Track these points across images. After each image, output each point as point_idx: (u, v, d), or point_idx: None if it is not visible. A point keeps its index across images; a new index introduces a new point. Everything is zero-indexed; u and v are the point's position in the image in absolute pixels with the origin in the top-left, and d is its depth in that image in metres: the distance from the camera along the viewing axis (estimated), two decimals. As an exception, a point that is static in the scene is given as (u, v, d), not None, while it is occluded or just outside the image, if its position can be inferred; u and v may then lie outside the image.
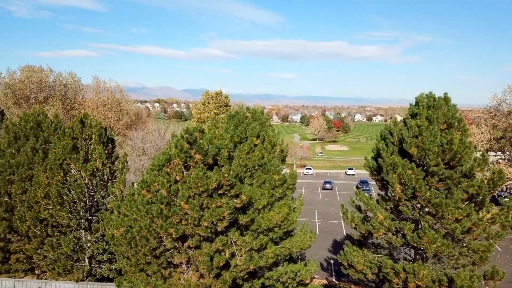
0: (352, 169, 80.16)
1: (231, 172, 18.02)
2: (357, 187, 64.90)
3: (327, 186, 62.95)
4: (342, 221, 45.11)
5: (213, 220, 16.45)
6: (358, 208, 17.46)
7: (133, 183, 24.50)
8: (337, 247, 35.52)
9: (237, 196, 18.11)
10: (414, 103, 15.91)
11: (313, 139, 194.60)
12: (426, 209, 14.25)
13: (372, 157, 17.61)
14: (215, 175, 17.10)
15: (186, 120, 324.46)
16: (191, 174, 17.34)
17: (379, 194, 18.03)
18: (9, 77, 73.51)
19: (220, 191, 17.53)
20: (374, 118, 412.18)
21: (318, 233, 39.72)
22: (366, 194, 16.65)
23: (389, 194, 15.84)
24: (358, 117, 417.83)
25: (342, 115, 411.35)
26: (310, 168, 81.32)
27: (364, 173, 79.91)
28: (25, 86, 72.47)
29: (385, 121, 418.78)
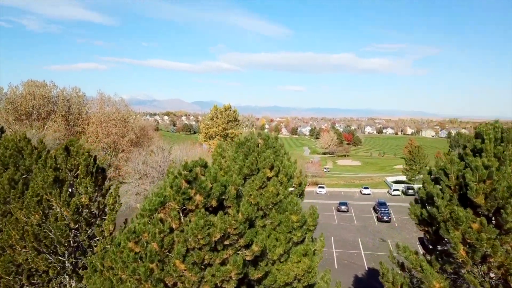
0: (367, 188, 76.19)
1: (240, 216, 14.62)
2: (374, 210, 60.98)
3: (343, 208, 59.12)
4: (362, 251, 41.53)
5: (217, 282, 12.93)
6: (401, 266, 13.85)
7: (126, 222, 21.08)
8: (359, 284, 31.65)
9: (247, 246, 14.64)
10: (474, 134, 12.52)
11: (324, 153, 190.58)
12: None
13: (416, 200, 14.04)
14: (219, 222, 13.62)
15: (194, 133, 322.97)
16: (189, 220, 13.93)
17: (424, 242, 14.41)
18: (11, 92, 71.58)
19: (226, 242, 14.09)
20: (384, 130, 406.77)
21: (336, 267, 35.93)
22: (411, 249, 13.04)
23: (446, 251, 12.29)
24: (368, 129, 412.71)
25: (352, 127, 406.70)
26: (323, 187, 77.54)
27: (381, 192, 75.83)
28: (27, 101, 70.32)
29: (396, 133, 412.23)
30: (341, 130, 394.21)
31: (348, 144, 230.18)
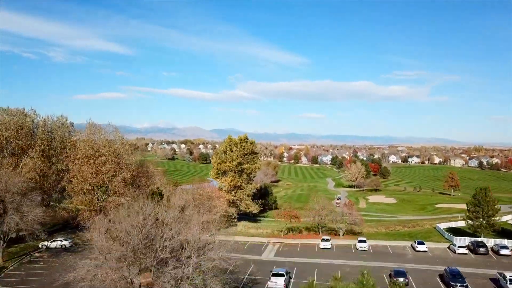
0: (423, 243, 58.16)
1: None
2: (444, 282, 43.50)
3: (401, 280, 41.68)
4: None
5: None
6: None
7: None
8: None
9: None
10: None
11: (350, 186, 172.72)
12: None
13: None
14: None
15: (210, 162, 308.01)
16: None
17: None
18: (-22, 122, 58.07)
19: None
20: (409, 159, 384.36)
21: None
22: None
23: None
24: (392, 158, 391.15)
25: (375, 156, 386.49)
26: (364, 241, 59.73)
27: (439, 249, 58.04)
28: (-3, 133, 56.73)
29: (422, 162, 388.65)
30: (364, 158, 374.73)
31: (375, 175, 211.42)
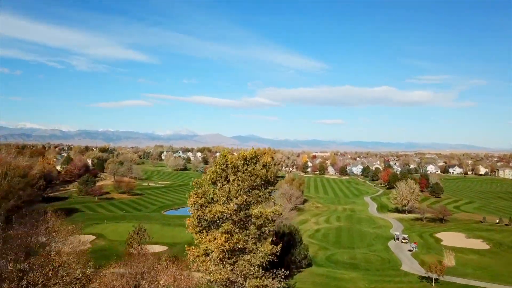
0: None
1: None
2: None
3: None
4: None
5: None
6: None
7: None
8: None
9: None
10: None
11: (398, 210, 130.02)
12: None
13: None
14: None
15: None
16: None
17: None
18: None
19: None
20: (450, 170, 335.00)
21: None
22: None
23: None
24: (430, 168, 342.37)
25: (411, 166, 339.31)
26: None
27: None
28: None
29: (465, 173, 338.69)
30: (399, 169, 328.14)
31: (422, 191, 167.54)
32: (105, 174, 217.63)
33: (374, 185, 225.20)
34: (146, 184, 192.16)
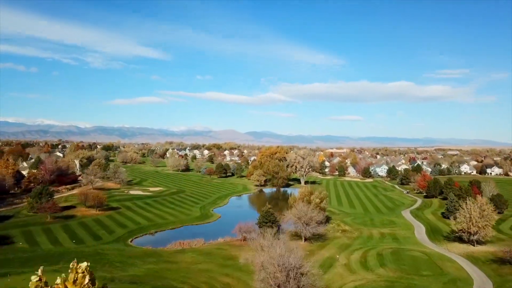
0: None
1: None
2: None
3: None
4: None
5: None
6: None
7: None
8: None
9: None
10: None
11: (459, 238, 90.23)
12: None
13: None
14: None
15: (232, 175, 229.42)
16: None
17: None
18: None
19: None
20: (488, 170, 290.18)
21: None
22: None
23: None
24: (464, 168, 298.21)
25: (442, 166, 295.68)
26: None
27: None
28: None
29: (506, 174, 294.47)
30: (429, 169, 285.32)
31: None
32: (93, 178, 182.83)
33: (407, 192, 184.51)
34: (125, 193, 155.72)
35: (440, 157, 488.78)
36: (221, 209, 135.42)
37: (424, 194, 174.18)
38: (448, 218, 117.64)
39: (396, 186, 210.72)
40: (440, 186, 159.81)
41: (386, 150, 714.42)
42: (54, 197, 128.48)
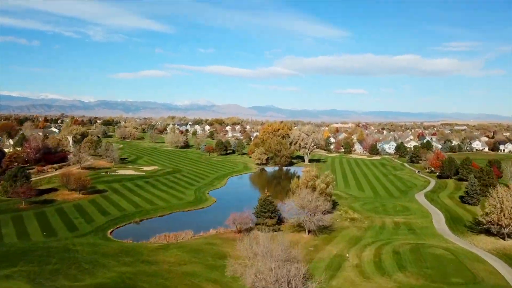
0: None
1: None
2: None
3: None
4: None
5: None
6: None
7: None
8: None
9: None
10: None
11: (486, 230, 78.02)
12: None
13: None
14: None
15: (233, 152, 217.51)
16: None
17: None
18: None
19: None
20: (501, 147, 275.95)
21: None
22: None
23: None
24: (476, 145, 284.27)
25: (453, 142, 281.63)
26: None
27: None
28: None
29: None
30: (439, 146, 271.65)
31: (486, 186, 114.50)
32: (84, 156, 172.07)
33: (418, 171, 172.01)
34: (114, 173, 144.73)
35: (447, 132, 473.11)
36: (218, 191, 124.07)
37: (438, 174, 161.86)
38: (469, 203, 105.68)
39: (406, 165, 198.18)
40: (456, 165, 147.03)
41: (392, 125, 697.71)
42: (34, 178, 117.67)
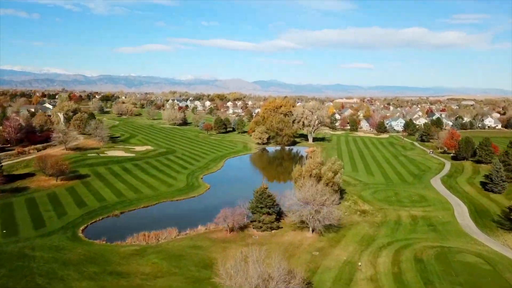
0: None
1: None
2: None
3: None
4: None
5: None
6: None
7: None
8: None
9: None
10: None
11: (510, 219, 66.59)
12: None
13: None
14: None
15: (233, 130, 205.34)
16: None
17: None
18: None
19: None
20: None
21: None
22: None
23: None
24: (488, 121, 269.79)
25: (465, 119, 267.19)
26: None
27: None
28: None
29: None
30: (450, 123, 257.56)
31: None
32: (71, 135, 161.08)
33: (430, 151, 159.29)
34: (101, 155, 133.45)
35: (455, 107, 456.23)
36: (213, 176, 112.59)
37: (452, 154, 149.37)
38: (493, 191, 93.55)
39: (416, 144, 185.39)
40: (473, 146, 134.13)
41: (397, 100, 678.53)
42: (9, 162, 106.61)
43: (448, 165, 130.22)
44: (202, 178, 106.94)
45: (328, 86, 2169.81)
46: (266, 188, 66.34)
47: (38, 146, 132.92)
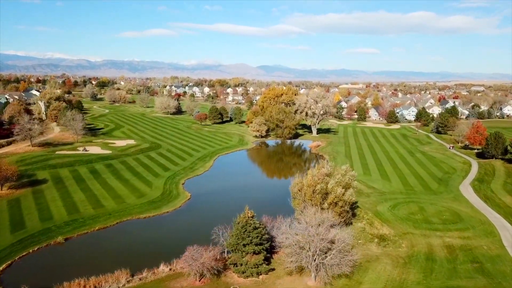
0: None
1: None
2: None
3: None
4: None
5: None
6: None
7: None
8: None
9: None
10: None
11: None
12: None
13: None
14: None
15: (230, 119, 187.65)
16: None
17: None
18: None
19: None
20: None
21: None
22: None
23: None
24: (508, 110, 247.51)
25: (483, 107, 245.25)
26: None
27: None
28: None
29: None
30: (466, 112, 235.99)
31: None
32: (54, 126, 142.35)
33: (451, 147, 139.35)
34: (72, 152, 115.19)
35: (465, 93, 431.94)
36: (198, 180, 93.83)
37: (476, 150, 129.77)
38: (542, 206, 74.04)
39: (432, 136, 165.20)
40: (503, 142, 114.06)
41: (405, 86, 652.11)
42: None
43: (475, 165, 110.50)
44: (183, 184, 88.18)
45: (332, 71, 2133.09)
46: (252, 217, 47.27)
47: (2, 141, 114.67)
